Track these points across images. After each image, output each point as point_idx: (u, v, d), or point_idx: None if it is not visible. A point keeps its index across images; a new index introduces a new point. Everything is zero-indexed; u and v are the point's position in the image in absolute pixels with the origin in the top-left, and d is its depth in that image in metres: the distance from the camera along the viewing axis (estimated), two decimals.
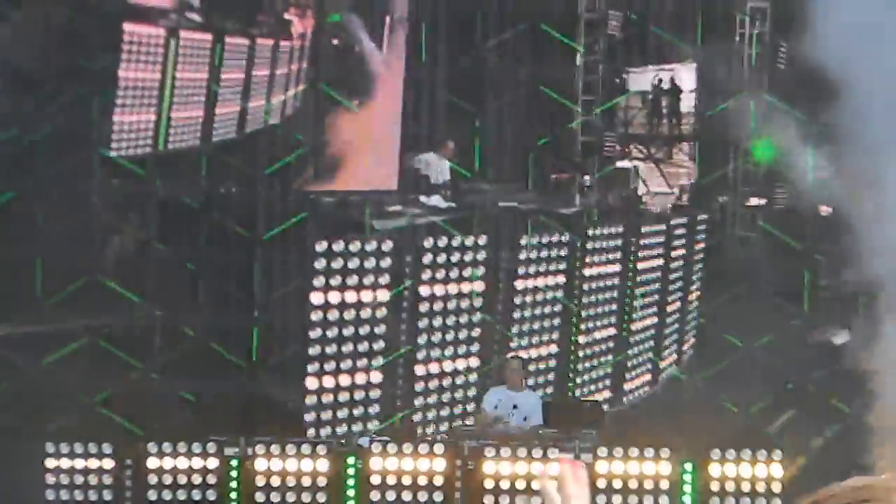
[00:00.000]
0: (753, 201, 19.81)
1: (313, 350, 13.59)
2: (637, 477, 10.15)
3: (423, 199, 16.50)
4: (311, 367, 13.60)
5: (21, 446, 12.34)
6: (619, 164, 20.42)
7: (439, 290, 14.81)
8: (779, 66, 20.14)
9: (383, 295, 14.02)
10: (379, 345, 14.10)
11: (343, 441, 10.62)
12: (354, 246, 13.91)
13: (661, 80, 24.26)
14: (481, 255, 15.51)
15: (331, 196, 15.43)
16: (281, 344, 13.68)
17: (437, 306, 14.72)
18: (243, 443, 10.33)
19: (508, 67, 17.51)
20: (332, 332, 13.76)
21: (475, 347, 14.94)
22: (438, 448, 10.27)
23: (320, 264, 13.64)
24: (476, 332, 14.97)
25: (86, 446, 10.26)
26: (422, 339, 14.59)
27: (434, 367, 14.57)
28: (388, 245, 14.23)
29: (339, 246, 13.80)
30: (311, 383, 13.58)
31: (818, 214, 18.72)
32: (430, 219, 15.64)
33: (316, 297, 13.59)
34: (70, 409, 13.29)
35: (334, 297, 13.75)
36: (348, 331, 13.84)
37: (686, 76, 22.59)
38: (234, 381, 13.39)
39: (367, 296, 13.87)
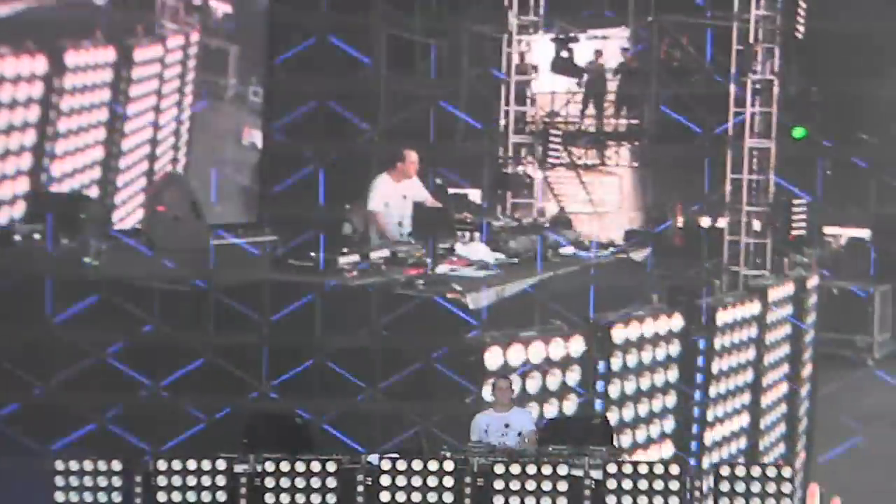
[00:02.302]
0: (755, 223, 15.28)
1: None
2: (646, 492, 10.15)
3: (460, 249, 13.32)
4: None
5: (30, 464, 12.33)
6: (510, 170, 15.68)
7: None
8: (796, 35, 15.26)
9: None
10: None
11: (352, 458, 10.57)
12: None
13: (599, 53, 17.29)
14: (675, 349, 13.77)
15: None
16: (290, 361, 13.63)
17: None
18: (252, 460, 10.33)
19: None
20: None
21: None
22: (448, 465, 10.25)
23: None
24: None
25: (95, 463, 10.24)
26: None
27: None
28: (578, 345, 13.13)
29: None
30: None
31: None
32: (523, 285, 12.95)
33: None
34: (79, 425, 13.29)
35: None
36: None
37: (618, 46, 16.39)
38: (243, 398, 13.37)
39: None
